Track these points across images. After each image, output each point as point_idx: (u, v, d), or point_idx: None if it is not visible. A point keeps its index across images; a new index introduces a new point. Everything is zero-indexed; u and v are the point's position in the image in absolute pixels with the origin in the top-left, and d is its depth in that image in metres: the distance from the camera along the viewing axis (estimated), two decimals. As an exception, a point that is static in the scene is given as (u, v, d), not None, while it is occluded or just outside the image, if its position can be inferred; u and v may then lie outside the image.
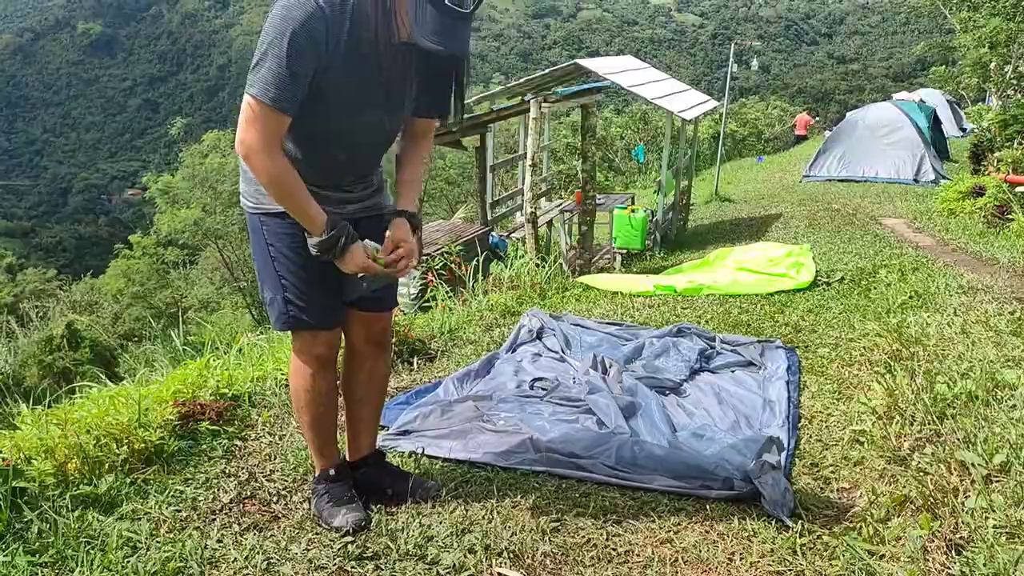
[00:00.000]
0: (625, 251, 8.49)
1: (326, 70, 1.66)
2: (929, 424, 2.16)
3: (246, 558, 1.87)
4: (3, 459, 2.08)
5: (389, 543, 1.91)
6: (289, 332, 1.96)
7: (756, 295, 4.76)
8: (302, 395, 2.00)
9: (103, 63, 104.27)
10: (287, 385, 2.94)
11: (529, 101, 7.23)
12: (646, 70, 9.86)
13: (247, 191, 1.89)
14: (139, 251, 22.42)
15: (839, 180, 12.76)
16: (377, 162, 1.99)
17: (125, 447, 2.27)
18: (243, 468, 2.36)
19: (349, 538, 1.95)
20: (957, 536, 1.58)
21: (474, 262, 5.28)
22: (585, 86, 8.17)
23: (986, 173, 9.75)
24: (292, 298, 1.88)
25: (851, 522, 1.94)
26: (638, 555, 1.89)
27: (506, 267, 5.47)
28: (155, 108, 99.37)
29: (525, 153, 7.56)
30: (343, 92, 1.72)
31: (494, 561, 1.84)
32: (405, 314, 3.63)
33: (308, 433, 2.07)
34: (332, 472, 2.07)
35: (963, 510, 1.65)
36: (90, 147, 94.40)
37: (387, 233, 1.85)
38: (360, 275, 1.80)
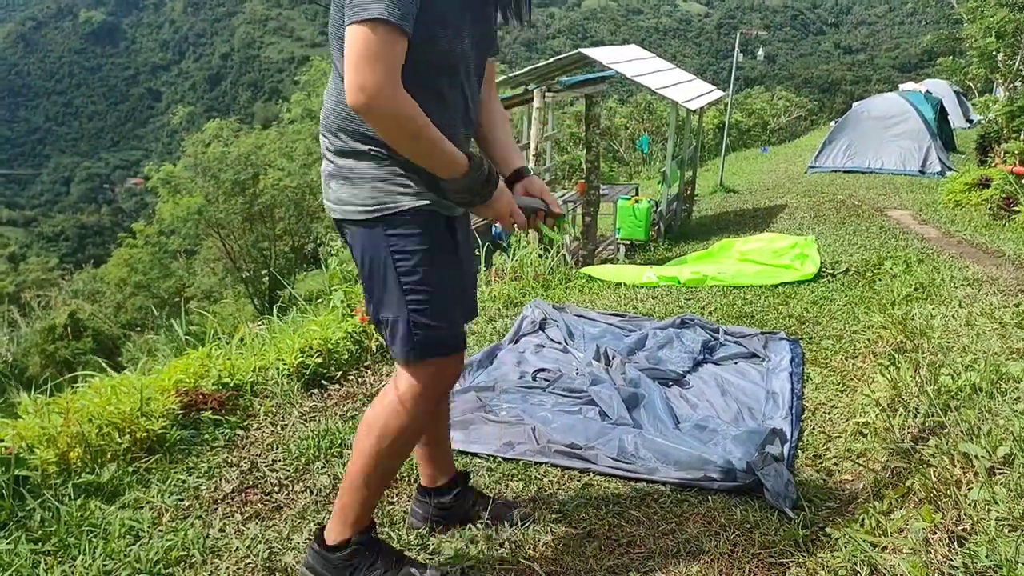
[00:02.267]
0: (629, 242, 8.46)
1: None
2: (933, 416, 2.15)
3: (248, 547, 1.87)
4: (5, 448, 2.09)
5: (391, 533, 1.91)
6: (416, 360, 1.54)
7: (760, 286, 4.74)
8: (398, 440, 1.56)
9: (105, 51, 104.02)
10: (289, 376, 2.94)
11: (533, 91, 7.18)
12: (651, 59, 9.80)
13: (355, 195, 1.51)
14: (142, 240, 22.44)
15: (844, 171, 12.72)
16: (475, 114, 1.64)
17: (127, 436, 2.28)
18: (245, 458, 2.37)
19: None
20: (960, 528, 1.57)
21: (476, 252, 5.26)
22: (589, 76, 8.12)
23: (992, 165, 9.70)
24: (423, 320, 1.51)
25: (854, 514, 1.93)
26: (640, 546, 1.89)
27: (509, 257, 5.45)
28: (157, 97, 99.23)
29: (529, 143, 7.53)
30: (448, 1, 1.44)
31: (495, 552, 1.84)
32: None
33: (374, 485, 1.61)
34: (375, 532, 1.70)
35: (966, 502, 1.64)
36: (92, 136, 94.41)
37: (526, 188, 1.66)
38: (495, 232, 1.64)
